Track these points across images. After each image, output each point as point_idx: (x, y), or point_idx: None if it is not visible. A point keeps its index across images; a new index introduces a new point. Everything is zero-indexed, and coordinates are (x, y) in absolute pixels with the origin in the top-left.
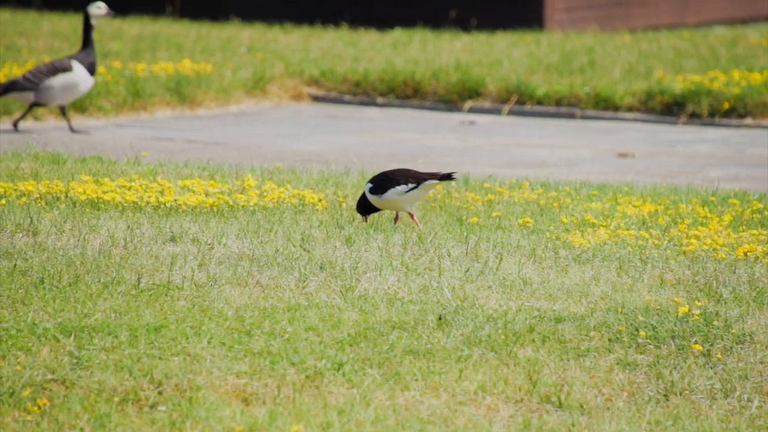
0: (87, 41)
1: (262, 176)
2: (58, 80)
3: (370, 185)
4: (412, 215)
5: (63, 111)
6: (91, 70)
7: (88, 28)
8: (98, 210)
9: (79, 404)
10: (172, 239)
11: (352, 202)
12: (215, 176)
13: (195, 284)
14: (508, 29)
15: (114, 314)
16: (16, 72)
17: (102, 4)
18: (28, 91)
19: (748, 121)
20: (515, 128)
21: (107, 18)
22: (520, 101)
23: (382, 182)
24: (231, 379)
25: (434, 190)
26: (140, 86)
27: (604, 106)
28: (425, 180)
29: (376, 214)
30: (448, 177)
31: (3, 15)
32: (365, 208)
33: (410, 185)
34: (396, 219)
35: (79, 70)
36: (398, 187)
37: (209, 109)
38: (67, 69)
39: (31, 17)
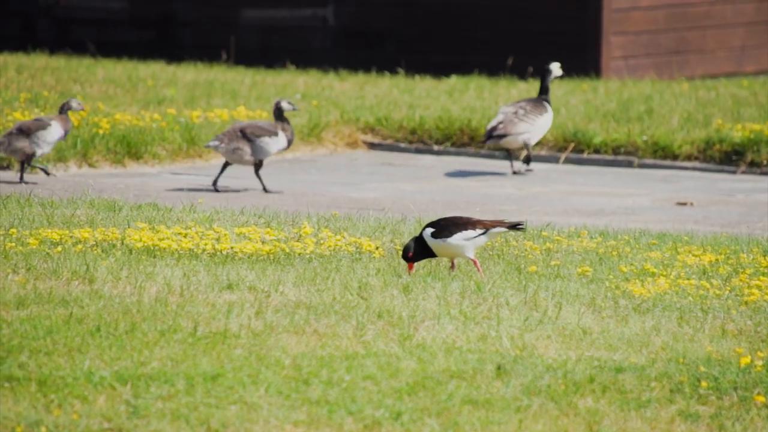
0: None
1: (319, 224)
2: (544, 120)
3: (431, 230)
4: (475, 262)
5: None
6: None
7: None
8: (154, 257)
9: None
10: (229, 287)
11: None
12: (271, 223)
13: (252, 332)
14: (565, 77)
15: (171, 362)
16: (71, 119)
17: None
18: (523, 133)
19: None
20: (572, 176)
21: (161, 64)
22: (578, 149)
23: (448, 227)
24: (288, 428)
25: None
26: (195, 133)
27: (662, 154)
28: (493, 227)
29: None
30: (515, 226)
31: (58, 61)
32: (419, 253)
33: (478, 231)
34: (452, 266)
35: (551, 112)
36: (466, 232)
37: None
38: (547, 110)
39: (85, 63)
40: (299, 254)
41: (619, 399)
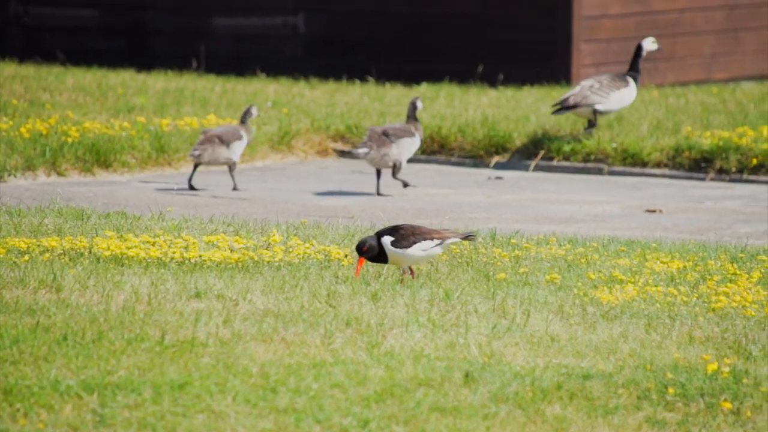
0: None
1: (288, 232)
2: (620, 94)
3: (390, 238)
4: (412, 270)
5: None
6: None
7: None
8: (122, 266)
9: None
10: (197, 295)
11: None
12: (240, 232)
13: (219, 341)
14: (535, 84)
15: (138, 371)
16: (40, 127)
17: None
18: (594, 104)
19: None
20: (542, 183)
21: (131, 72)
22: (548, 156)
23: (407, 237)
24: None
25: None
26: (165, 141)
27: (631, 161)
28: (448, 239)
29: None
30: (467, 237)
31: (27, 70)
32: (374, 255)
33: (435, 242)
34: (404, 272)
35: (633, 87)
36: (424, 243)
37: None
38: (627, 84)
39: (55, 72)
40: (268, 262)
41: (586, 406)
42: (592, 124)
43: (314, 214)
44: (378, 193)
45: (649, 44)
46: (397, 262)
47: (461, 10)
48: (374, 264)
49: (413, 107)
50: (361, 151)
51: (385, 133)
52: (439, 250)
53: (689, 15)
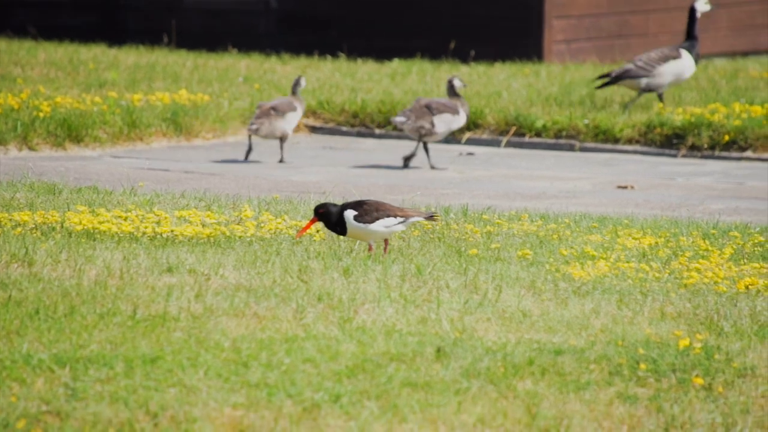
0: (691, 34)
1: (259, 207)
2: (668, 67)
3: (353, 212)
4: (371, 246)
5: None
6: (697, 59)
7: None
8: (94, 240)
9: None
10: (169, 270)
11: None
12: (212, 207)
13: (191, 315)
14: (507, 61)
15: (109, 345)
16: (11, 102)
17: None
18: (640, 78)
19: (749, 153)
20: (514, 160)
21: (103, 47)
22: (519, 133)
23: (370, 212)
24: (227, 410)
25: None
26: (136, 116)
27: (603, 138)
28: (412, 217)
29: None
30: (431, 217)
31: None
32: (330, 222)
33: (398, 219)
34: (370, 248)
35: (686, 59)
36: (387, 220)
37: (206, 139)
38: (676, 57)
39: (26, 46)
40: (240, 237)
41: (558, 381)
42: (633, 100)
43: (286, 189)
44: (431, 167)
45: (702, 5)
46: (356, 236)
47: None
48: (346, 240)
49: (450, 85)
50: (398, 120)
51: (428, 106)
52: (401, 227)
53: None
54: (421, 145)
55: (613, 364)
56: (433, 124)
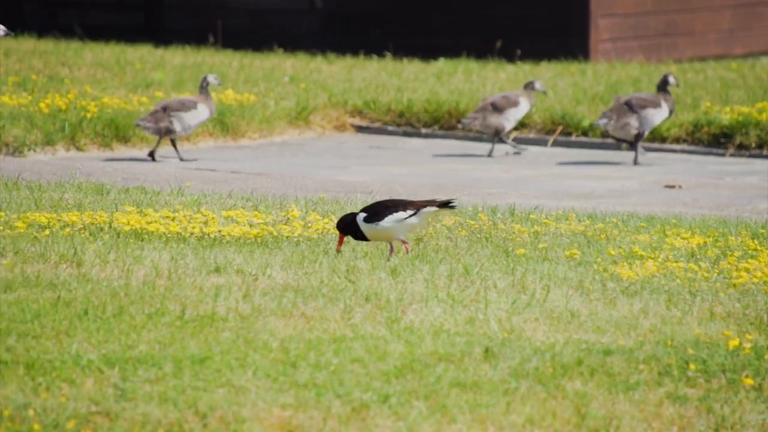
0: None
1: (307, 207)
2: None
3: (363, 214)
4: (405, 242)
5: None
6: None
7: None
8: (142, 241)
9: None
10: (217, 270)
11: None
12: (259, 207)
13: (239, 315)
14: (553, 60)
15: (158, 346)
16: (59, 102)
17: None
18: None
19: None
20: (561, 159)
21: (149, 48)
22: (566, 132)
23: (379, 210)
24: (276, 411)
25: (437, 218)
26: None
27: (650, 137)
28: (424, 207)
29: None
30: (446, 204)
31: (46, 45)
32: (351, 230)
33: (409, 212)
34: (391, 250)
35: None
36: (396, 214)
37: (252, 139)
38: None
39: (73, 47)
40: (287, 237)
41: (607, 382)
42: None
43: (333, 189)
44: (635, 162)
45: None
46: (375, 237)
47: None
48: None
49: (665, 82)
50: (601, 122)
51: (628, 103)
52: (415, 219)
53: None
54: (627, 144)
55: (663, 365)
56: (634, 121)
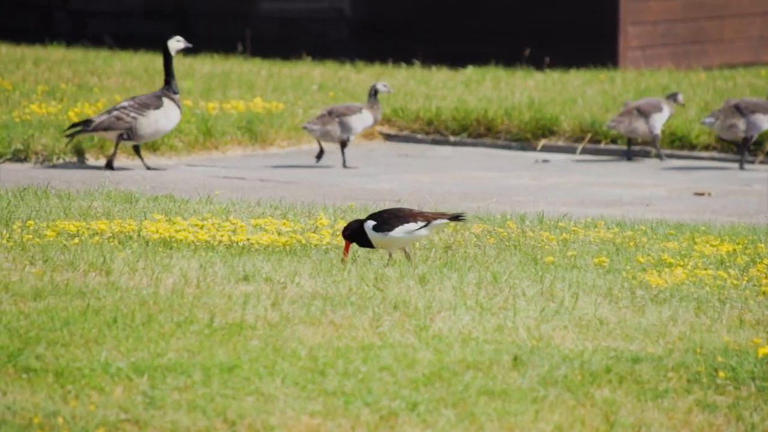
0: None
1: (335, 215)
2: None
3: (372, 222)
4: (408, 253)
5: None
6: None
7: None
8: (171, 249)
9: None
10: (245, 278)
11: (426, 242)
12: (288, 215)
13: (268, 323)
14: (582, 67)
15: (187, 353)
16: (88, 111)
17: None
18: None
19: None
20: (589, 166)
21: (178, 56)
22: (595, 139)
23: (389, 220)
24: (305, 419)
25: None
26: (212, 125)
27: (679, 144)
28: (435, 219)
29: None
30: (457, 218)
31: (75, 54)
32: (357, 237)
33: (420, 224)
34: (390, 257)
35: None
36: (407, 225)
37: (281, 147)
38: None
39: (102, 56)
40: (315, 246)
41: (636, 389)
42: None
43: (362, 197)
44: (741, 167)
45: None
46: (381, 245)
47: None
48: (421, 247)
49: None
50: (708, 121)
51: (738, 106)
52: (425, 231)
53: None
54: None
55: (692, 372)
56: (746, 125)
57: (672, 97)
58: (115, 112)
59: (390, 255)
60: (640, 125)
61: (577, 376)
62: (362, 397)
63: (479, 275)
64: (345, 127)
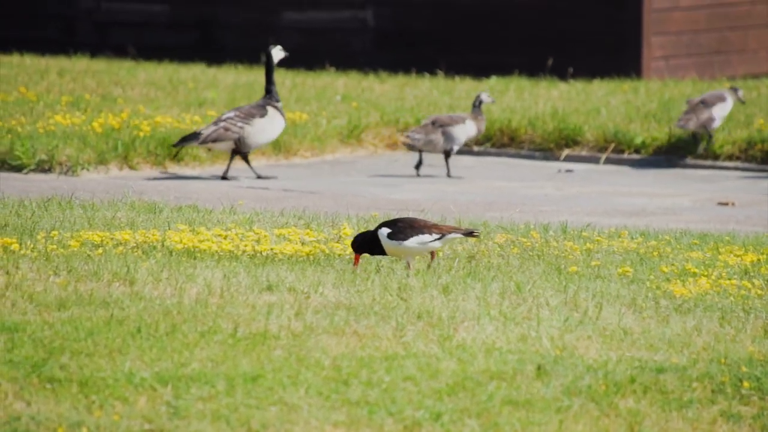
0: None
1: (359, 225)
2: None
3: (387, 230)
4: (409, 264)
5: None
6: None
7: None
8: (194, 259)
9: None
10: (269, 288)
11: (449, 251)
12: (311, 225)
13: (292, 333)
14: (606, 77)
15: (211, 363)
16: (112, 122)
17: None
18: None
19: None
20: (613, 176)
21: (202, 67)
22: (618, 149)
23: (404, 229)
24: (328, 428)
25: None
26: None
27: (703, 154)
28: (450, 233)
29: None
30: (471, 233)
31: (99, 64)
32: (370, 248)
33: (434, 236)
34: (408, 266)
35: None
36: (422, 236)
37: (304, 157)
38: None
39: (126, 66)
40: (339, 255)
41: (660, 399)
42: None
43: (385, 207)
44: None
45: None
46: (393, 253)
47: (530, 2)
48: (445, 257)
49: None
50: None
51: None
52: (438, 244)
53: (761, 7)
54: None
55: (716, 382)
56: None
57: (734, 89)
58: (222, 123)
59: (408, 264)
60: (704, 115)
61: (601, 386)
62: (386, 407)
63: (503, 285)
64: (449, 138)
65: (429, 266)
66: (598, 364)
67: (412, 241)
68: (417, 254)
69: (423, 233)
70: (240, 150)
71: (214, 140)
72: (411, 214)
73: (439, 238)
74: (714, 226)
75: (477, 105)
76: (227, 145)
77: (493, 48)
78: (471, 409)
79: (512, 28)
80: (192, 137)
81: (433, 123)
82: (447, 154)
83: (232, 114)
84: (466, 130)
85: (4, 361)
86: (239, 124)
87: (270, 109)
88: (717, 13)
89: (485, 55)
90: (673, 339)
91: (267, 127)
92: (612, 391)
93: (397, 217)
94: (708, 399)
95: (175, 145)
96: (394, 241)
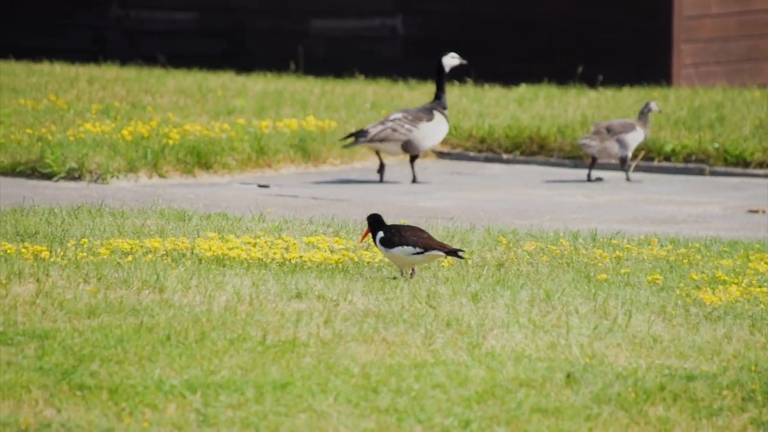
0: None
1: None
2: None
3: (381, 234)
4: (402, 272)
5: None
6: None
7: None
8: (224, 267)
9: None
10: (298, 296)
11: (479, 259)
12: (340, 233)
13: (321, 341)
14: (635, 85)
15: (240, 371)
16: (142, 130)
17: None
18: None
19: None
20: (642, 184)
21: (231, 75)
22: (648, 157)
23: (394, 236)
24: None
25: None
26: (264, 143)
27: (733, 162)
28: (432, 249)
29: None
30: (454, 253)
31: (129, 72)
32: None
33: (417, 249)
34: (412, 273)
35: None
36: (406, 248)
37: (333, 165)
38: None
39: (156, 74)
40: (368, 263)
41: (690, 407)
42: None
43: (414, 215)
44: None
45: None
46: (387, 257)
47: (559, 10)
48: (474, 265)
49: None
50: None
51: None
52: (419, 258)
53: None
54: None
55: (747, 390)
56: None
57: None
58: (390, 124)
59: (402, 272)
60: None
61: (630, 394)
62: (415, 415)
63: (532, 293)
64: (623, 145)
65: (406, 279)
66: (628, 372)
67: (397, 250)
68: (404, 264)
69: (408, 244)
70: (407, 151)
71: (381, 140)
72: (440, 222)
73: (419, 252)
74: (744, 234)
75: (645, 112)
76: (393, 146)
77: (523, 56)
78: (500, 417)
79: (542, 36)
80: (359, 134)
81: (608, 130)
82: (623, 161)
83: (399, 115)
84: (636, 138)
85: (35, 368)
86: (407, 126)
87: (437, 114)
88: (747, 21)
89: (514, 63)
90: (703, 346)
91: (432, 132)
92: (641, 398)
93: (411, 224)
94: (738, 407)
95: (343, 144)
96: (382, 247)
